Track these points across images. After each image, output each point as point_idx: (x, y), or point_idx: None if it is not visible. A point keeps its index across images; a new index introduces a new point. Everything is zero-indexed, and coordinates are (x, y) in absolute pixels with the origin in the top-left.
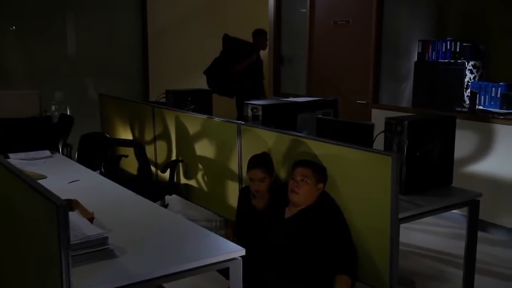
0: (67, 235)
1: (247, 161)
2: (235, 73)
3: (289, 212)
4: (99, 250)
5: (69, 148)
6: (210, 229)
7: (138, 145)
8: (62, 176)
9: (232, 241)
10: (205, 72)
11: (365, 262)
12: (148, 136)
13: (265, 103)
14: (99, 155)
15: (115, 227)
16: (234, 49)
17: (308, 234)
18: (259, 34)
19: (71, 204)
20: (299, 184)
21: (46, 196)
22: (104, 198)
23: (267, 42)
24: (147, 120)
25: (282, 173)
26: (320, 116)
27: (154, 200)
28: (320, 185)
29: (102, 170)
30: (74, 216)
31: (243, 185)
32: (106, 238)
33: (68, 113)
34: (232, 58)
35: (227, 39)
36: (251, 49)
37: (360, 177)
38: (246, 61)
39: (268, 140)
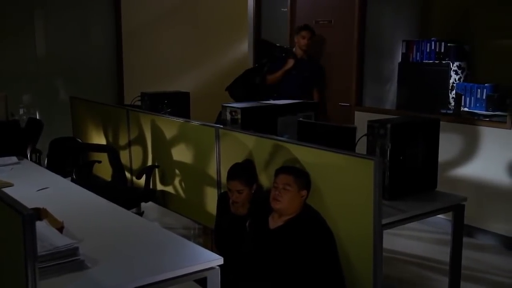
0: (34, 246)
1: (227, 167)
2: (272, 84)
3: (273, 222)
4: (69, 261)
5: (38, 154)
6: (188, 238)
7: (111, 150)
8: (30, 183)
9: (211, 249)
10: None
11: (347, 270)
12: (123, 140)
13: (244, 106)
14: (70, 161)
15: (86, 236)
16: (269, 56)
17: (295, 248)
18: (295, 31)
19: (40, 213)
20: (281, 192)
21: (11, 205)
22: (75, 206)
23: (304, 41)
24: (121, 124)
25: (262, 178)
26: (301, 119)
27: (129, 208)
28: (303, 192)
29: (74, 176)
30: (42, 226)
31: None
32: (77, 248)
33: (37, 117)
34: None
35: (262, 43)
36: (287, 55)
37: (342, 182)
38: (279, 71)
39: (247, 144)
